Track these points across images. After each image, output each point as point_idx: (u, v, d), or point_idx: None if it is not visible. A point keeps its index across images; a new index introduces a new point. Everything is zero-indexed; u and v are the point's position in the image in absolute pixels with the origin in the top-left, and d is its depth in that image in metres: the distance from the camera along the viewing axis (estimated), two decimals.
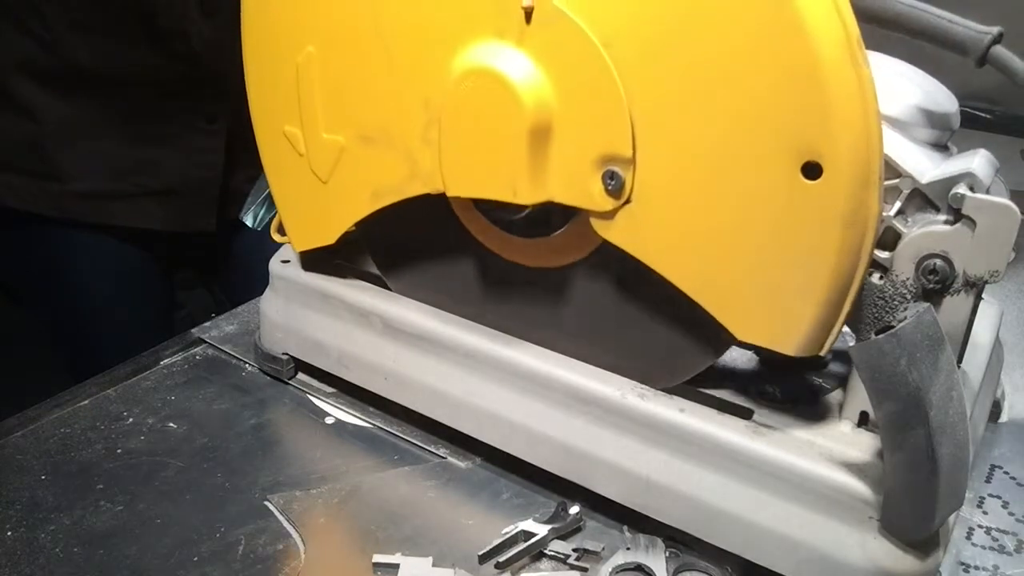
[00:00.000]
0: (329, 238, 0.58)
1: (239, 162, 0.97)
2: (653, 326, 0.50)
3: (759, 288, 0.43)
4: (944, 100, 0.48)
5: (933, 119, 0.47)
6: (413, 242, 0.58)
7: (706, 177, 0.42)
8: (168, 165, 0.94)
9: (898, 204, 0.44)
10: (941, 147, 0.48)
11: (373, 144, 0.52)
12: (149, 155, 0.93)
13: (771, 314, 0.43)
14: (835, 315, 0.42)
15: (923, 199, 0.44)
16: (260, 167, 0.60)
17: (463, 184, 0.49)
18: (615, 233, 0.46)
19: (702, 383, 0.51)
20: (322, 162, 0.55)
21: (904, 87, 0.48)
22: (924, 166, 0.45)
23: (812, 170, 0.39)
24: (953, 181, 0.43)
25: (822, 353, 0.44)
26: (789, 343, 0.43)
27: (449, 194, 0.50)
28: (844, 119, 0.38)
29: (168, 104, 0.92)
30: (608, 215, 0.46)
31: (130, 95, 0.90)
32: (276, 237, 0.63)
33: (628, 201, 0.45)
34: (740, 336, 0.45)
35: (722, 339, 0.46)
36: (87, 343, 0.97)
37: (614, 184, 0.44)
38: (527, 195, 0.46)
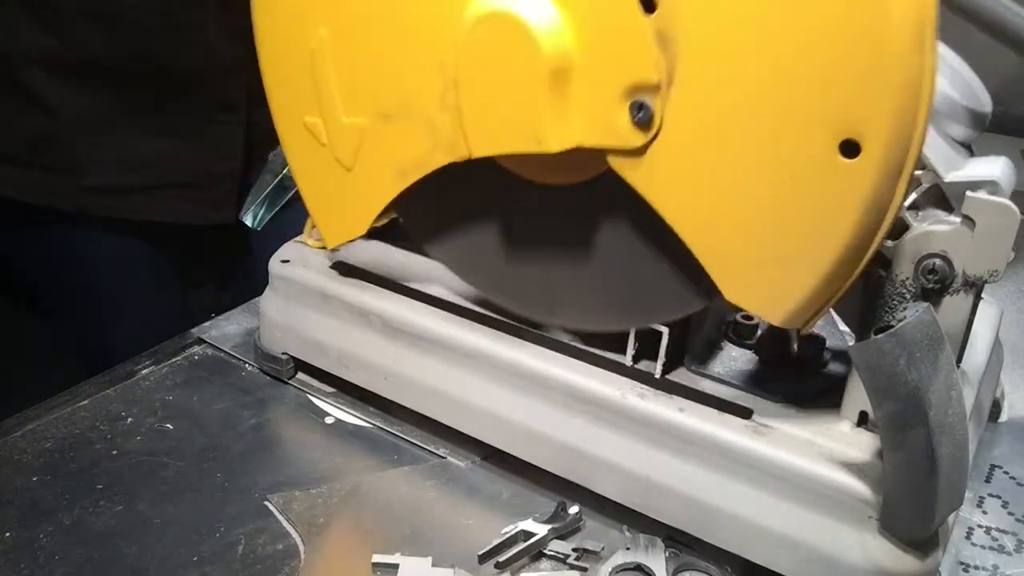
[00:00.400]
0: (360, 228, 0.57)
1: (259, 154, 0.96)
2: (644, 261, 0.48)
3: (762, 253, 0.42)
4: (984, 99, 0.47)
5: (969, 117, 0.46)
6: (445, 193, 0.56)
7: (739, 128, 0.41)
8: (185, 157, 0.93)
9: (913, 196, 0.44)
10: (966, 146, 0.47)
11: (393, 120, 0.51)
12: (166, 147, 0.92)
13: (767, 281, 0.43)
14: (829, 295, 0.42)
15: (940, 196, 0.43)
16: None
17: (486, 142, 0.47)
18: (632, 171, 0.44)
19: (702, 381, 0.51)
20: (345, 147, 0.54)
21: (948, 78, 0.46)
22: (949, 163, 0.44)
23: (850, 148, 0.38)
24: (976, 185, 0.42)
25: (804, 330, 0.43)
26: (776, 313, 0.43)
27: (473, 156, 0.48)
28: (899, 106, 0.37)
29: (184, 94, 0.91)
30: (632, 153, 0.44)
31: (146, 86, 0.89)
32: (311, 243, 0.62)
33: (656, 136, 0.43)
34: (728, 297, 0.44)
35: (708, 294, 0.46)
36: (93, 341, 0.97)
37: (643, 115, 0.42)
38: (553, 142, 0.45)
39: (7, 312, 1.04)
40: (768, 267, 0.42)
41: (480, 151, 0.48)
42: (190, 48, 0.89)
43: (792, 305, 0.42)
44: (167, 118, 0.91)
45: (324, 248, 0.61)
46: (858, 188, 0.39)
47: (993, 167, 0.44)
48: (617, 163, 0.45)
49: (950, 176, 0.43)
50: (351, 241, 0.58)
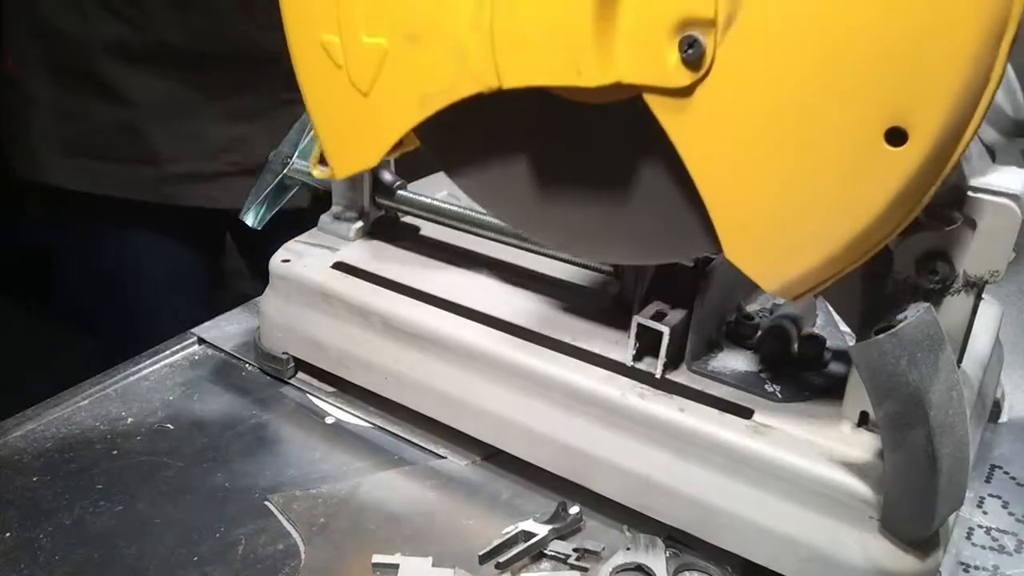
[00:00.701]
0: (373, 158, 0.53)
1: None
2: (660, 194, 0.46)
3: (775, 220, 0.41)
4: (1021, 107, 0.47)
5: (1008, 124, 0.45)
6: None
7: (788, 89, 0.38)
8: (258, 141, 0.93)
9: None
10: (990, 151, 0.46)
11: (418, 42, 0.48)
12: (239, 132, 0.93)
13: (771, 249, 0.41)
14: (829, 275, 0.41)
15: (958, 198, 0.43)
16: None
17: (519, 72, 0.44)
18: (665, 111, 0.42)
19: (702, 381, 0.51)
20: (363, 71, 0.51)
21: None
22: (975, 167, 0.43)
23: (896, 136, 0.36)
24: (997, 194, 0.42)
25: (793, 301, 0.43)
26: (770, 281, 0.42)
27: (505, 86, 0.45)
28: (958, 104, 0.35)
29: (257, 78, 0.92)
30: (670, 93, 0.41)
31: (219, 71, 0.91)
32: (317, 172, 0.60)
33: (706, 75, 0.40)
34: (728, 255, 0.43)
35: (708, 245, 0.45)
36: (130, 337, 0.99)
37: (692, 52, 0.39)
38: (593, 75, 0.42)
39: (10, 312, 1.04)
40: (777, 235, 0.41)
41: (511, 81, 0.45)
42: (264, 30, 0.90)
43: (789, 278, 0.41)
44: (239, 103, 0.93)
45: (331, 179, 0.58)
46: (893, 178, 0.37)
47: (1015, 179, 0.43)
48: (653, 100, 0.42)
49: (973, 180, 0.42)
50: (360, 171, 0.54)
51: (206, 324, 0.73)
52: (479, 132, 0.52)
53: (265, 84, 0.93)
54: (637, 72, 0.42)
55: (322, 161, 0.59)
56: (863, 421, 0.47)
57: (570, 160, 0.50)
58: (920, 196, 0.38)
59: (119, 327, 1.00)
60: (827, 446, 0.46)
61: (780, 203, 0.41)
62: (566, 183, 0.50)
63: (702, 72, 0.40)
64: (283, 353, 0.65)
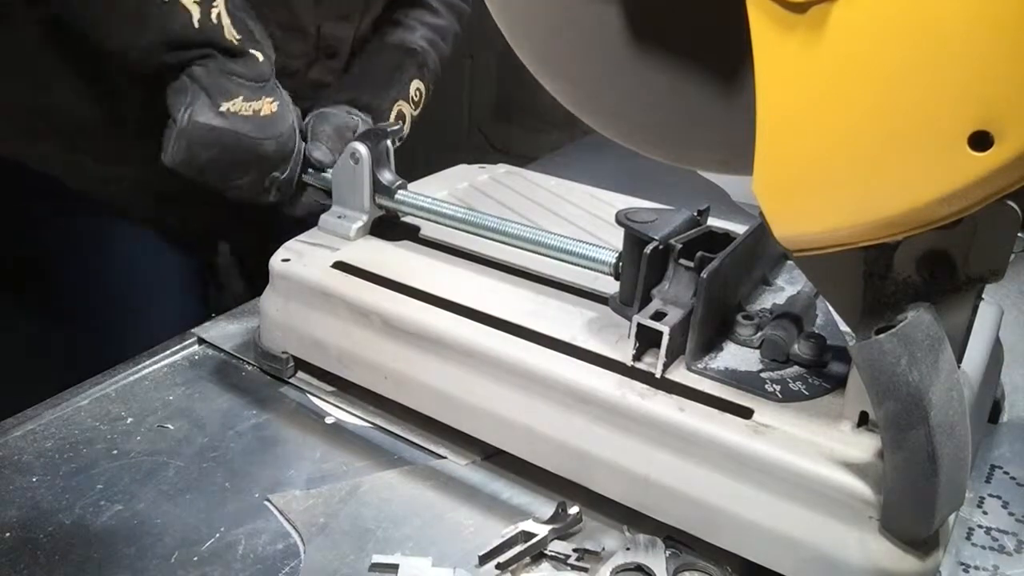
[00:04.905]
0: None
1: None
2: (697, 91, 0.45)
3: (819, 176, 0.39)
4: None
5: None
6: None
7: (879, 65, 0.36)
8: None
9: None
10: None
11: None
12: None
13: (800, 199, 0.39)
14: (843, 243, 0.39)
15: None
16: None
17: None
18: (762, 18, 0.38)
19: (702, 381, 0.51)
20: None
21: None
22: None
23: (980, 141, 0.34)
24: None
25: (792, 250, 0.42)
26: (783, 228, 0.40)
27: None
28: None
29: None
30: (777, 19, 0.38)
31: None
32: None
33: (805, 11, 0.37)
34: (754, 185, 0.41)
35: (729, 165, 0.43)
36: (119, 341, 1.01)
37: None
38: None
39: (13, 313, 1.05)
40: (813, 188, 0.39)
41: None
42: None
43: (803, 231, 0.40)
44: None
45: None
46: (960, 180, 0.35)
47: None
48: (756, 16, 0.39)
49: None
50: None
51: (206, 324, 0.73)
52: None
53: None
54: None
55: None
56: (863, 421, 0.47)
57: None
58: (977, 204, 0.36)
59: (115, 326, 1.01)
60: (827, 446, 0.46)
61: (833, 160, 0.38)
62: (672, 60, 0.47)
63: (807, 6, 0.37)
64: (283, 352, 0.65)
